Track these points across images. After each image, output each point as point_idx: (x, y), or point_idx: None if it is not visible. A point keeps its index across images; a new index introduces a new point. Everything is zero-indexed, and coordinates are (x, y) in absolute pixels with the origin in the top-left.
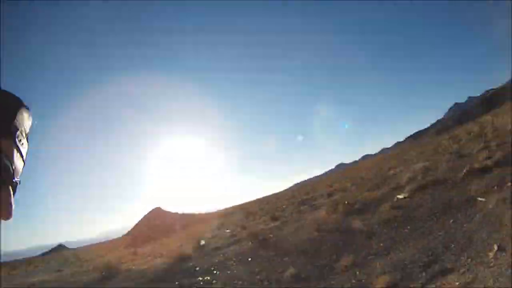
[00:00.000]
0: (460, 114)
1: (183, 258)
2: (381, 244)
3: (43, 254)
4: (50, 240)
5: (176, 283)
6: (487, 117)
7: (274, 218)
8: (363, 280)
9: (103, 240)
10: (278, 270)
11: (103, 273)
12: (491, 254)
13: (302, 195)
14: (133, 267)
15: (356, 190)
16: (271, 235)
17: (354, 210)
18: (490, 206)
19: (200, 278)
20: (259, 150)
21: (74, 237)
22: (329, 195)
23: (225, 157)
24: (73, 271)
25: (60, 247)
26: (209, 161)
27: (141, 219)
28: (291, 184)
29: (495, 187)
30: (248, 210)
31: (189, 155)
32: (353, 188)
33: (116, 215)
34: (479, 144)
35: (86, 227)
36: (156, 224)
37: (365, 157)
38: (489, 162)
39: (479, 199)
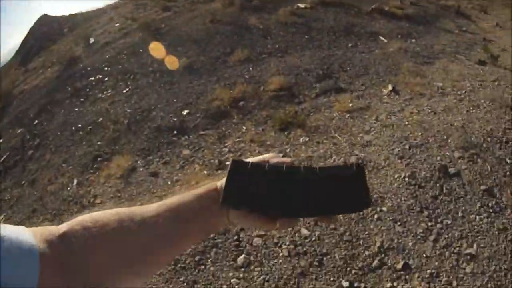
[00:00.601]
0: None
1: (73, 61)
2: (277, 46)
3: None
4: None
5: (69, 88)
6: None
7: (166, 8)
8: (256, 77)
9: None
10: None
11: None
12: (385, 91)
13: None
14: (26, 87)
15: None
16: (163, 25)
17: (251, 7)
18: (391, 50)
19: (92, 78)
20: None
21: None
22: None
23: None
24: None
25: None
26: None
27: (28, 32)
28: None
29: (399, 36)
30: (138, 1)
31: None
32: None
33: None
34: None
35: None
36: (44, 32)
37: None
38: (399, 12)
39: (381, 38)
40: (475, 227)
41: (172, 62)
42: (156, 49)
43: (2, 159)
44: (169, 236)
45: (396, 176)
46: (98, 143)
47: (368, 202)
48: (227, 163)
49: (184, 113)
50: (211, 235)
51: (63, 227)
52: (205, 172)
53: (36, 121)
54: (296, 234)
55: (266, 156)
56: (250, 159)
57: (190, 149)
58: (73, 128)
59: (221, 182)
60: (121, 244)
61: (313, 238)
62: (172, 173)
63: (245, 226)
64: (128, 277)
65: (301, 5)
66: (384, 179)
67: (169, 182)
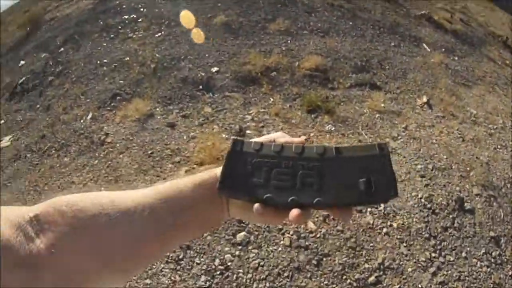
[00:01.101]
0: None
1: None
2: (319, 25)
3: None
4: None
5: (100, 22)
6: None
7: None
8: (293, 51)
9: None
10: (208, 15)
11: (28, 29)
12: (419, 102)
13: None
14: (58, 14)
15: None
16: None
17: None
18: (432, 60)
19: (126, 17)
20: None
21: None
22: None
23: None
24: None
25: None
26: None
27: None
28: None
29: (443, 49)
30: None
31: None
32: None
33: None
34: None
35: None
36: None
37: None
38: (447, 24)
39: (425, 46)
40: (474, 273)
41: (199, 36)
42: (186, 18)
43: (21, 81)
44: (156, 231)
45: (413, 194)
46: (121, 81)
47: (395, 191)
48: (248, 131)
49: (213, 70)
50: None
51: (36, 209)
52: (224, 135)
53: (62, 49)
54: (302, 226)
55: (272, 135)
56: (254, 139)
57: (212, 108)
58: (98, 62)
59: (220, 169)
60: (97, 236)
61: (318, 235)
62: (190, 128)
63: (249, 220)
64: (107, 275)
65: None
66: (401, 194)
67: (184, 137)
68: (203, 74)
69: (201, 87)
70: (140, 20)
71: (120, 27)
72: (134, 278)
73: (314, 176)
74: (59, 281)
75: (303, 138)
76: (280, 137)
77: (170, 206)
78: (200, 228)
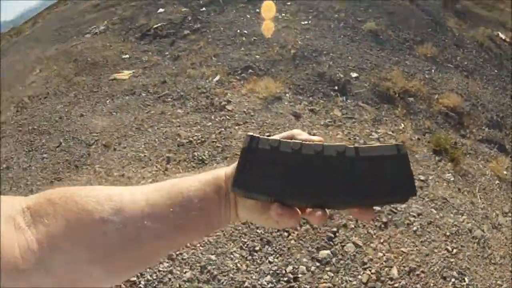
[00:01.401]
0: None
1: None
2: (465, 63)
3: None
4: None
5: None
6: None
7: None
8: (435, 82)
9: None
10: (359, 18)
11: None
12: None
13: None
14: None
15: None
16: None
17: (455, 8)
18: None
19: None
20: None
21: None
22: None
23: None
24: None
25: None
26: None
27: None
28: None
29: None
30: None
31: None
32: None
33: None
34: None
35: None
36: None
37: None
38: None
39: None
40: None
41: (268, 29)
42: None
43: (156, 26)
44: (154, 232)
45: None
46: (257, 56)
47: (414, 191)
48: None
49: (353, 75)
50: None
51: (29, 199)
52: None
53: (204, 9)
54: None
55: (289, 132)
56: (271, 136)
57: (342, 113)
58: (238, 31)
59: (231, 168)
60: (91, 232)
61: (397, 285)
62: (314, 125)
63: (258, 223)
64: (100, 275)
65: (502, 36)
66: None
67: (306, 131)
68: (341, 75)
69: (336, 87)
70: (289, 3)
71: None
72: (200, 248)
73: (334, 176)
74: (50, 279)
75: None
76: (297, 134)
77: (170, 206)
78: (203, 230)
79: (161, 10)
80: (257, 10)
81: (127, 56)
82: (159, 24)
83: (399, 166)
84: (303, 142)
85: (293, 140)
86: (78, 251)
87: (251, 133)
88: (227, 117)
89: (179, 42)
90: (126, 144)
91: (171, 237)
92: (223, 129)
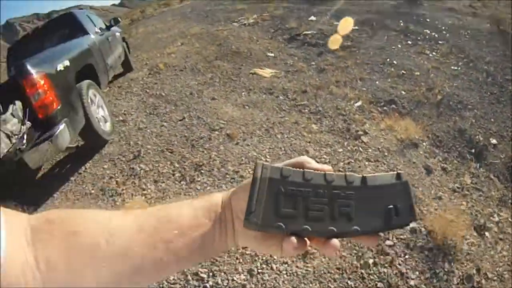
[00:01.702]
0: None
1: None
2: None
3: None
4: None
5: (401, 23)
6: None
7: None
8: None
9: None
10: None
11: None
12: None
13: None
14: None
15: None
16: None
17: None
18: None
19: (428, 31)
20: None
21: None
22: None
23: None
24: None
25: None
26: None
27: None
28: None
29: None
30: None
31: None
32: None
33: None
34: None
35: None
36: None
37: None
38: None
39: None
40: None
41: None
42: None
43: (306, 32)
44: (152, 258)
45: None
46: (403, 92)
47: (414, 216)
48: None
49: (492, 142)
50: None
51: (32, 218)
52: (468, 220)
53: (356, 27)
54: None
55: (297, 160)
56: (279, 164)
57: (472, 181)
58: (388, 60)
59: (227, 194)
60: (90, 256)
61: None
62: (442, 186)
63: (259, 250)
64: None
65: None
66: None
67: (432, 191)
68: (481, 138)
69: (473, 151)
70: (441, 42)
71: (419, 38)
72: None
73: (345, 205)
74: None
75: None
76: (305, 162)
77: (167, 232)
78: (195, 258)
79: (312, 18)
80: (409, 41)
81: (272, 54)
82: (309, 32)
83: (400, 193)
84: (315, 171)
85: (305, 170)
86: (71, 271)
87: (261, 161)
88: (360, 149)
89: (326, 55)
90: (250, 142)
91: (167, 261)
92: (352, 161)
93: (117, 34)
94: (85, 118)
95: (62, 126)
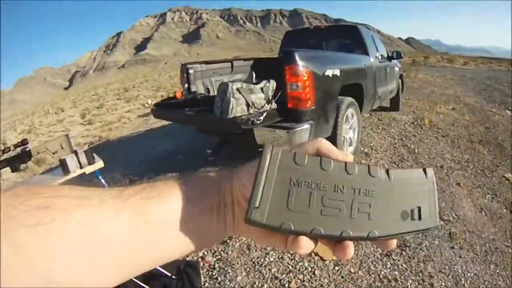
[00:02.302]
0: None
1: None
2: None
3: None
4: None
5: None
6: None
7: None
8: None
9: None
10: None
11: None
12: None
13: None
14: None
15: None
16: None
17: None
18: None
19: None
20: None
21: None
22: None
23: None
24: None
25: None
26: None
27: None
28: None
29: None
30: None
31: None
32: None
33: None
34: None
35: None
36: None
37: None
38: None
39: None
40: None
41: None
42: None
43: None
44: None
45: None
46: None
47: (436, 222)
48: None
49: None
50: None
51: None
52: None
53: None
54: None
55: (313, 144)
56: (293, 149)
57: None
58: None
59: (228, 175)
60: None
61: None
62: None
63: (259, 242)
64: None
65: None
66: None
67: None
68: None
69: None
70: None
71: None
72: None
73: (365, 203)
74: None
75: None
76: (321, 146)
77: (155, 236)
78: (188, 249)
79: None
80: None
81: None
82: None
83: (425, 193)
84: (334, 161)
85: (323, 158)
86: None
87: (270, 145)
88: None
89: None
90: (465, 255)
91: (138, 265)
92: None
93: (396, 68)
94: (332, 131)
95: (306, 126)
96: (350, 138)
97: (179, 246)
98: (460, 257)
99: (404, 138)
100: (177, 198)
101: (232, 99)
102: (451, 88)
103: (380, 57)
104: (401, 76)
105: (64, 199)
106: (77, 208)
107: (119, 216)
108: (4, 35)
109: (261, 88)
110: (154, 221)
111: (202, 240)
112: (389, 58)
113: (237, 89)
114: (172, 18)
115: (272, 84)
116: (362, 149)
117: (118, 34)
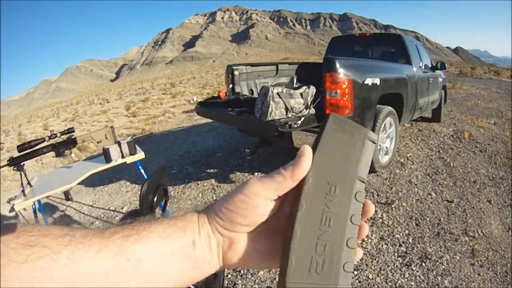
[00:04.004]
0: None
1: None
2: None
3: None
4: None
5: None
6: None
7: None
8: None
9: None
10: None
11: None
12: None
13: None
14: None
15: None
16: None
17: None
18: None
19: None
20: None
21: None
22: None
23: None
24: None
25: None
26: None
27: None
28: None
29: None
30: None
31: None
32: None
33: None
34: None
35: None
36: None
37: None
38: None
39: None
40: None
41: None
42: None
43: None
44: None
45: None
46: None
47: None
48: None
49: None
50: None
51: None
52: None
53: None
54: None
55: None
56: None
57: None
58: None
59: (196, 212)
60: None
61: None
62: None
63: (260, 268)
64: None
65: None
66: None
67: None
68: None
69: None
70: None
71: None
72: None
73: None
74: None
75: None
76: None
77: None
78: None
79: None
80: None
81: None
82: None
83: None
84: None
85: None
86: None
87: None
88: None
89: None
90: (485, 275)
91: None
92: None
93: (440, 79)
94: None
95: None
96: (386, 147)
97: (164, 282)
98: (479, 274)
99: (441, 151)
100: (155, 236)
101: (272, 102)
102: (495, 102)
103: (423, 67)
104: (444, 88)
105: (49, 238)
106: (63, 246)
107: (103, 253)
108: (55, 24)
109: (301, 94)
110: (135, 258)
111: (189, 275)
112: (433, 69)
113: (277, 93)
114: (222, 17)
115: (312, 90)
116: (398, 159)
117: (167, 31)
